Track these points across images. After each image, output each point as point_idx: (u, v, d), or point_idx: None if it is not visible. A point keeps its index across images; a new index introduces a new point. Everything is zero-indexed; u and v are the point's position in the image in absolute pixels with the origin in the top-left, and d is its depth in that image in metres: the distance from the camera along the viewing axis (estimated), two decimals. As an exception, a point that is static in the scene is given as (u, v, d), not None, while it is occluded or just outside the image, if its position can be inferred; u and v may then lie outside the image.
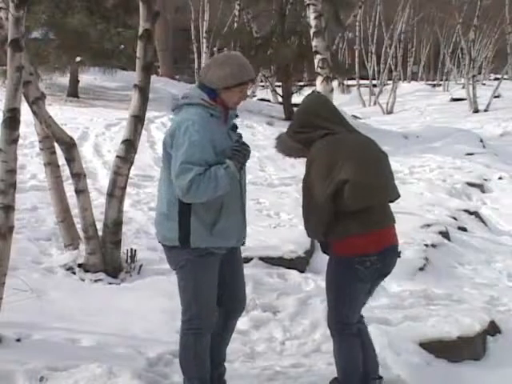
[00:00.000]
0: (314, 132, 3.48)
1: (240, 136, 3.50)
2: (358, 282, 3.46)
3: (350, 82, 31.24)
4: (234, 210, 3.43)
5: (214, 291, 3.49)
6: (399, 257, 3.63)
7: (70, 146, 5.47)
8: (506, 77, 28.14)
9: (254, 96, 25.90)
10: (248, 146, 3.42)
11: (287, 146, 3.63)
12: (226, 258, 3.52)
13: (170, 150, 3.35)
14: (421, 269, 6.52)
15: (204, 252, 3.37)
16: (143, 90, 5.37)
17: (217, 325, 3.60)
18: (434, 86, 36.21)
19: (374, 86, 30.72)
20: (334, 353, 3.65)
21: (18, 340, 4.05)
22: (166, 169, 3.44)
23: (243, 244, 3.63)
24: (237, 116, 3.57)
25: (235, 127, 3.53)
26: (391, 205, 3.61)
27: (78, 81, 14.77)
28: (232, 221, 3.41)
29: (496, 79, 30.60)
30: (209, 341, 3.53)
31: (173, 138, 3.33)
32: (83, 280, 5.35)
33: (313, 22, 8.34)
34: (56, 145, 5.67)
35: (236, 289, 3.64)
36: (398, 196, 3.59)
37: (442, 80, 35.76)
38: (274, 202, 8.41)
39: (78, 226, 5.76)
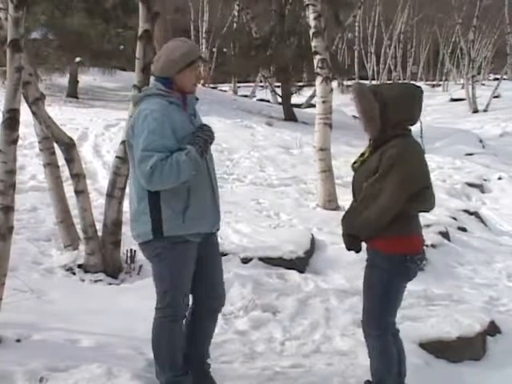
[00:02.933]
0: (397, 127, 3.44)
1: (205, 125, 3.47)
2: (406, 280, 3.55)
3: (350, 83, 31.20)
4: (203, 196, 3.46)
5: (189, 278, 3.52)
6: None
7: (69, 147, 5.48)
8: (505, 77, 28.16)
9: (254, 96, 25.90)
10: (209, 130, 3.41)
11: (370, 107, 3.44)
12: (202, 251, 3.53)
13: (132, 141, 3.40)
14: (420, 269, 6.51)
15: (178, 240, 3.40)
16: (142, 91, 5.36)
17: (197, 321, 3.65)
18: (434, 86, 36.23)
19: (374, 86, 30.68)
20: (370, 354, 3.62)
21: (18, 340, 4.05)
22: (132, 165, 3.47)
23: (218, 229, 3.65)
24: (197, 99, 3.60)
25: (195, 114, 3.55)
26: None
27: (78, 81, 14.78)
28: (202, 206, 3.44)
29: (495, 79, 30.62)
30: (181, 328, 3.56)
31: (133, 129, 3.39)
32: (83, 280, 5.36)
33: (312, 23, 8.36)
34: (55, 145, 5.67)
35: (214, 285, 3.66)
36: None
37: (441, 80, 35.80)
38: (274, 202, 8.40)
39: (78, 227, 5.76)
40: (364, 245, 3.59)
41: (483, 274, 6.89)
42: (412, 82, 37.05)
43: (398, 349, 3.66)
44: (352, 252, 3.61)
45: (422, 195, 3.45)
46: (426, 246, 6.98)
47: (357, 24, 29.35)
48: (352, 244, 3.58)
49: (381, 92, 3.46)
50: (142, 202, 3.41)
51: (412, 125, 3.53)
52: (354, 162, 3.64)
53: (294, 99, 17.81)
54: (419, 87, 3.56)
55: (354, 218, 3.49)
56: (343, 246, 3.64)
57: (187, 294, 3.54)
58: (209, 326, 3.74)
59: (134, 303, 4.79)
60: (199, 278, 3.57)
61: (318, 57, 8.32)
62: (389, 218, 3.38)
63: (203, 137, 3.34)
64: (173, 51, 3.47)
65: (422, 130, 3.61)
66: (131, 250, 5.63)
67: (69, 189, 5.81)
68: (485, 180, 11.47)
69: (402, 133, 3.46)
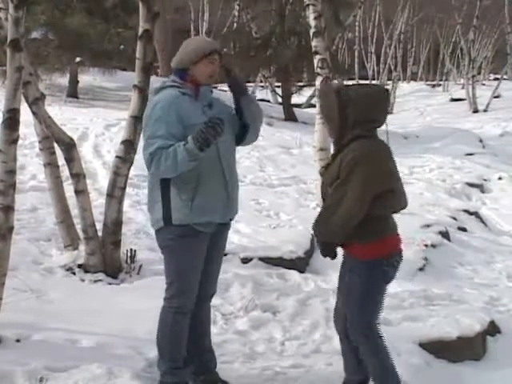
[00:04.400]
0: (357, 127, 3.39)
1: (218, 118, 3.37)
2: (385, 283, 3.52)
3: (350, 83, 31.17)
4: (214, 187, 3.49)
5: (197, 272, 3.56)
6: None
7: (69, 147, 5.48)
8: (505, 77, 28.13)
9: (254, 96, 25.89)
10: (213, 127, 3.30)
11: (330, 106, 3.43)
12: (211, 240, 3.56)
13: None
14: (420, 269, 6.53)
15: (187, 232, 3.45)
16: (143, 91, 5.37)
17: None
18: (434, 86, 36.19)
19: (374, 86, 30.65)
20: (366, 359, 3.59)
21: (18, 340, 4.05)
22: None
23: (231, 219, 3.69)
24: (211, 91, 3.65)
25: (211, 105, 3.59)
26: None
27: (78, 81, 14.78)
28: (212, 197, 3.47)
29: (495, 79, 30.59)
30: (187, 322, 3.60)
31: (144, 119, 3.54)
32: (83, 280, 5.36)
33: (312, 23, 8.34)
34: (56, 145, 5.67)
35: (211, 276, 3.69)
36: None
37: (441, 80, 35.75)
38: (274, 202, 8.40)
39: (78, 227, 5.76)
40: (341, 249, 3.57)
41: (483, 273, 6.89)
42: (412, 81, 37.18)
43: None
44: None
45: (385, 198, 3.37)
46: (426, 246, 7.05)
47: (357, 24, 29.29)
48: (327, 250, 3.56)
49: (344, 91, 3.44)
50: (155, 190, 3.51)
51: (376, 127, 3.48)
52: (323, 167, 3.64)
53: (294, 99, 17.81)
54: (385, 89, 3.56)
55: (322, 225, 3.45)
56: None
57: (194, 287, 3.57)
58: (203, 315, 3.77)
59: (134, 303, 4.79)
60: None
61: (318, 57, 8.31)
62: (356, 222, 3.34)
63: (205, 134, 3.30)
64: (189, 45, 3.58)
65: (387, 132, 3.56)
66: (131, 249, 5.63)
67: (69, 189, 5.81)
68: (485, 180, 11.48)
69: (363, 134, 3.40)
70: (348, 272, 3.54)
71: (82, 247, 5.58)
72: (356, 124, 3.39)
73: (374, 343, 3.55)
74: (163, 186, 3.47)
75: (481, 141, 15.63)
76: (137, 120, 5.39)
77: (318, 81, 8.32)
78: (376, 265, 3.44)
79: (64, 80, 14.71)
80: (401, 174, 3.65)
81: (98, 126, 11.21)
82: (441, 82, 35.62)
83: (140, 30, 5.34)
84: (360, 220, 3.34)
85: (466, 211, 9.27)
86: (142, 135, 3.55)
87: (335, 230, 3.40)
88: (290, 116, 15.94)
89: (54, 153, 5.86)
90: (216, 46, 3.63)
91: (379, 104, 3.46)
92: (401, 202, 3.50)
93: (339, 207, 3.35)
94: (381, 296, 3.55)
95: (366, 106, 3.38)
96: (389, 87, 27.57)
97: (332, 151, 3.60)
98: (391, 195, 3.41)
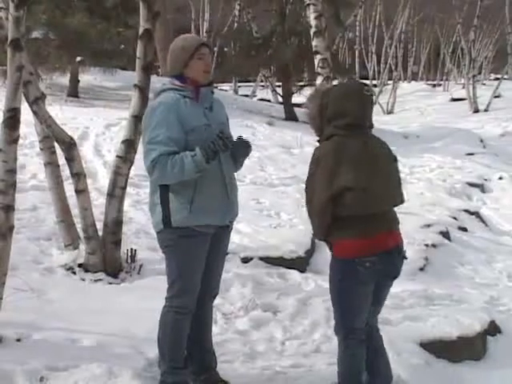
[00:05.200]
0: (331, 125, 3.41)
1: (228, 138, 3.41)
2: (359, 284, 3.43)
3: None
4: (213, 189, 3.50)
5: (198, 272, 3.57)
6: (405, 258, 3.61)
7: (69, 146, 5.47)
8: (506, 77, 28.10)
9: (255, 96, 25.87)
10: (225, 144, 3.36)
11: (312, 108, 3.51)
12: (212, 241, 3.57)
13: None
14: (421, 269, 6.53)
15: (188, 233, 3.45)
16: (143, 90, 5.37)
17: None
18: (434, 85, 36.18)
19: (375, 85, 30.62)
20: (337, 357, 3.61)
21: (18, 340, 4.05)
22: None
23: (231, 221, 3.68)
24: (212, 92, 3.66)
25: (212, 107, 3.60)
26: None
27: (78, 81, 14.77)
28: (211, 199, 3.48)
29: (496, 79, 30.56)
30: (188, 322, 3.61)
31: (144, 123, 3.54)
32: (83, 280, 5.36)
33: (313, 22, 8.35)
34: (56, 145, 5.67)
35: (209, 276, 3.67)
36: (403, 201, 3.57)
37: (442, 80, 35.74)
38: (274, 202, 8.41)
39: (78, 226, 5.76)
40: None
41: (484, 273, 6.89)
42: (413, 81, 37.15)
43: (371, 352, 3.60)
44: None
45: (342, 197, 3.31)
46: (427, 245, 7.05)
47: (357, 23, 29.31)
48: (329, 248, 3.60)
49: (326, 92, 3.48)
50: (155, 193, 3.53)
51: (352, 123, 3.40)
52: None
53: (295, 99, 17.79)
54: (360, 84, 3.55)
55: (311, 223, 3.50)
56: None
57: (195, 287, 3.57)
58: (204, 316, 3.78)
59: (134, 303, 4.79)
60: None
61: (318, 56, 8.31)
62: (325, 221, 3.35)
63: (216, 147, 3.34)
64: (174, 49, 3.58)
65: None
66: (132, 249, 5.63)
67: (69, 188, 5.81)
68: (485, 180, 11.48)
69: (336, 132, 3.39)
70: (329, 270, 3.57)
71: (83, 247, 5.58)
72: (330, 121, 3.41)
73: (347, 348, 3.52)
74: (162, 188, 3.48)
75: (481, 141, 15.63)
76: (137, 119, 5.39)
77: (319, 80, 8.32)
78: (347, 264, 3.41)
79: (64, 79, 14.70)
80: (401, 174, 3.63)
81: (98, 126, 11.20)
82: (441, 82, 35.61)
83: (140, 30, 5.34)
84: (332, 218, 3.34)
85: (467, 211, 9.27)
86: (141, 139, 3.55)
87: (315, 229, 3.48)
88: (290, 115, 15.94)
89: (54, 152, 5.86)
90: (200, 39, 3.67)
91: (350, 96, 3.41)
92: (366, 203, 3.35)
93: (310, 205, 3.40)
94: (357, 298, 3.47)
95: (336, 100, 3.40)
96: (390, 87, 27.63)
97: None
98: (350, 195, 3.31)
